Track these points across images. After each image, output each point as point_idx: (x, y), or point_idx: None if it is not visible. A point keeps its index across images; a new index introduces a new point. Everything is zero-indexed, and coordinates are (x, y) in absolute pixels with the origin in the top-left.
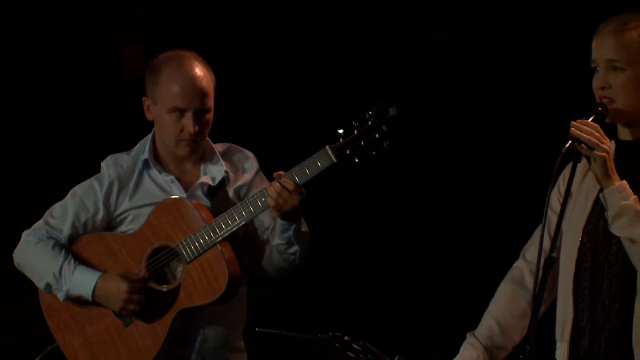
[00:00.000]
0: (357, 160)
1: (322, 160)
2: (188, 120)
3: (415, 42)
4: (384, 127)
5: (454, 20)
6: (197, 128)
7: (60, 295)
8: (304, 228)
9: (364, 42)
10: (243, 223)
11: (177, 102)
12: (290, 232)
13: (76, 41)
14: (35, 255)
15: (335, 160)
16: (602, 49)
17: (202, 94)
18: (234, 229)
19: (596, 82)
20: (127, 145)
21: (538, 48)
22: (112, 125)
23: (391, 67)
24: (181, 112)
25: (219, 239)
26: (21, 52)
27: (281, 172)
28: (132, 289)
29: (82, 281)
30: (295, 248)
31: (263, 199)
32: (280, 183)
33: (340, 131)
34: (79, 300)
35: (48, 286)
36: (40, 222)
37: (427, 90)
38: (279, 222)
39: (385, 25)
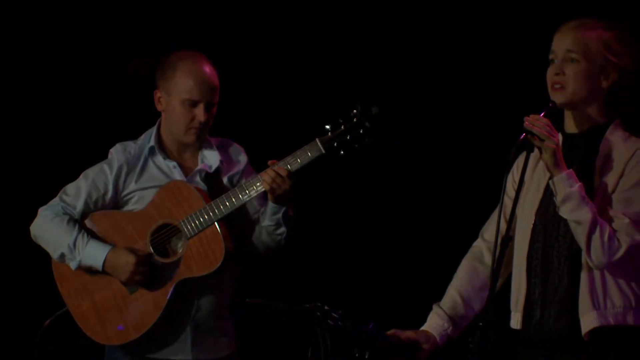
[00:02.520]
0: (342, 152)
1: (312, 150)
2: (200, 111)
3: (414, 42)
4: (367, 124)
5: (454, 20)
6: (206, 117)
7: (73, 265)
8: (292, 213)
9: (364, 42)
10: (239, 205)
11: (192, 94)
12: (280, 215)
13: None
14: (51, 229)
15: (323, 151)
16: (563, 41)
17: (213, 88)
18: (231, 210)
19: (551, 70)
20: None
21: (538, 48)
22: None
23: (391, 67)
24: (194, 103)
25: (217, 218)
26: (21, 51)
27: (275, 161)
28: (139, 262)
29: (94, 254)
30: (282, 229)
31: (258, 184)
32: (274, 169)
33: (328, 126)
34: (89, 270)
35: (62, 256)
36: (55, 200)
37: (427, 90)
38: (270, 205)
39: (384, 25)
